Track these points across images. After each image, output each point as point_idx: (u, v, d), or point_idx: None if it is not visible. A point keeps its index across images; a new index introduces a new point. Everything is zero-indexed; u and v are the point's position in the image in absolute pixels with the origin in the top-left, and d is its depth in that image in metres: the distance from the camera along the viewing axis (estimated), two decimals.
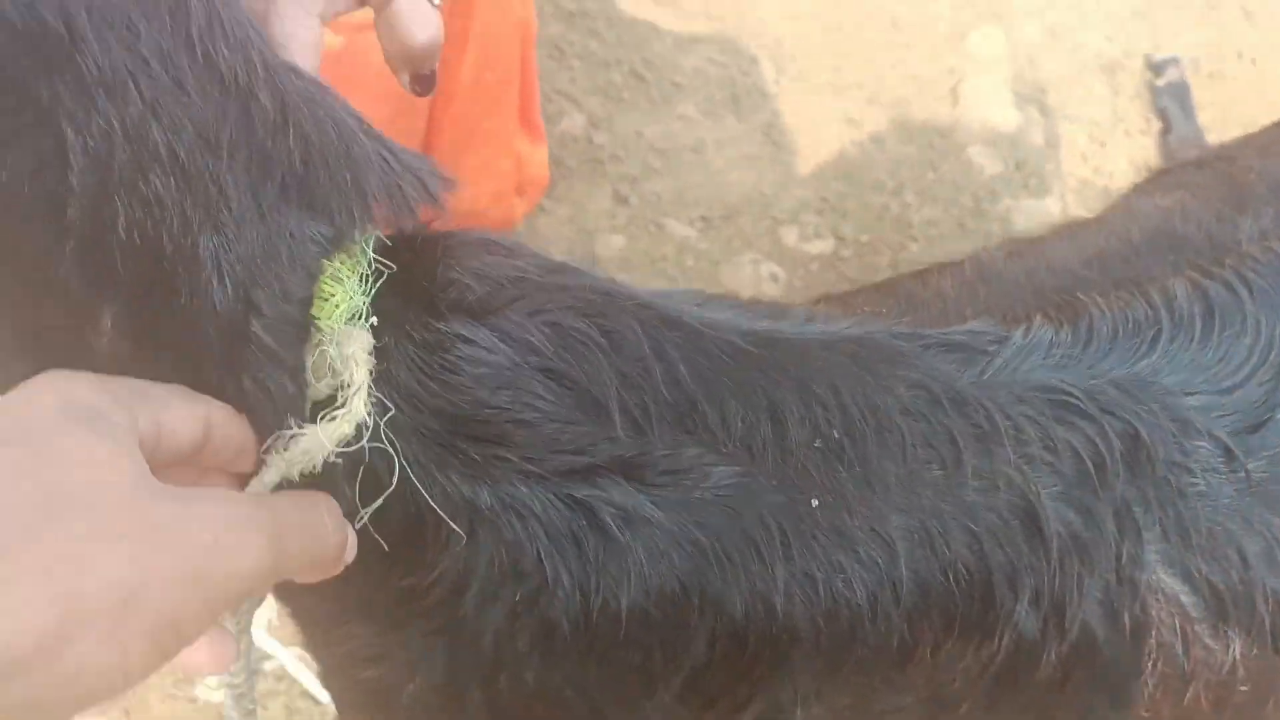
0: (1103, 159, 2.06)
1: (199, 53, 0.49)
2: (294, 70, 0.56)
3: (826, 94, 2.09)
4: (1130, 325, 0.56)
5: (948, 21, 2.24)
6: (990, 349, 0.54)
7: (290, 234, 0.53)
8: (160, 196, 0.49)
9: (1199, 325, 0.56)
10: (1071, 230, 0.74)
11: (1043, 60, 2.20)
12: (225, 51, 0.50)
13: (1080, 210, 1.98)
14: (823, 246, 1.88)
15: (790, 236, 1.88)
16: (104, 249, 0.49)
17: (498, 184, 1.64)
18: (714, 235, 1.87)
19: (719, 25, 2.16)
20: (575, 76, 2.04)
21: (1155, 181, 0.83)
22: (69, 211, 0.47)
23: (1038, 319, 0.56)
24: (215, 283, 0.51)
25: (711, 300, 0.60)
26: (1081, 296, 0.58)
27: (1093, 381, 0.54)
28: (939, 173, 2.00)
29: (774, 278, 1.81)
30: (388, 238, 0.59)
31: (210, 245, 0.51)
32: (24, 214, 0.47)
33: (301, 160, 0.53)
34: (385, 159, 0.57)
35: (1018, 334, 0.55)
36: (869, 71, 2.14)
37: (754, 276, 1.80)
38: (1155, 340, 0.55)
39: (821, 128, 2.04)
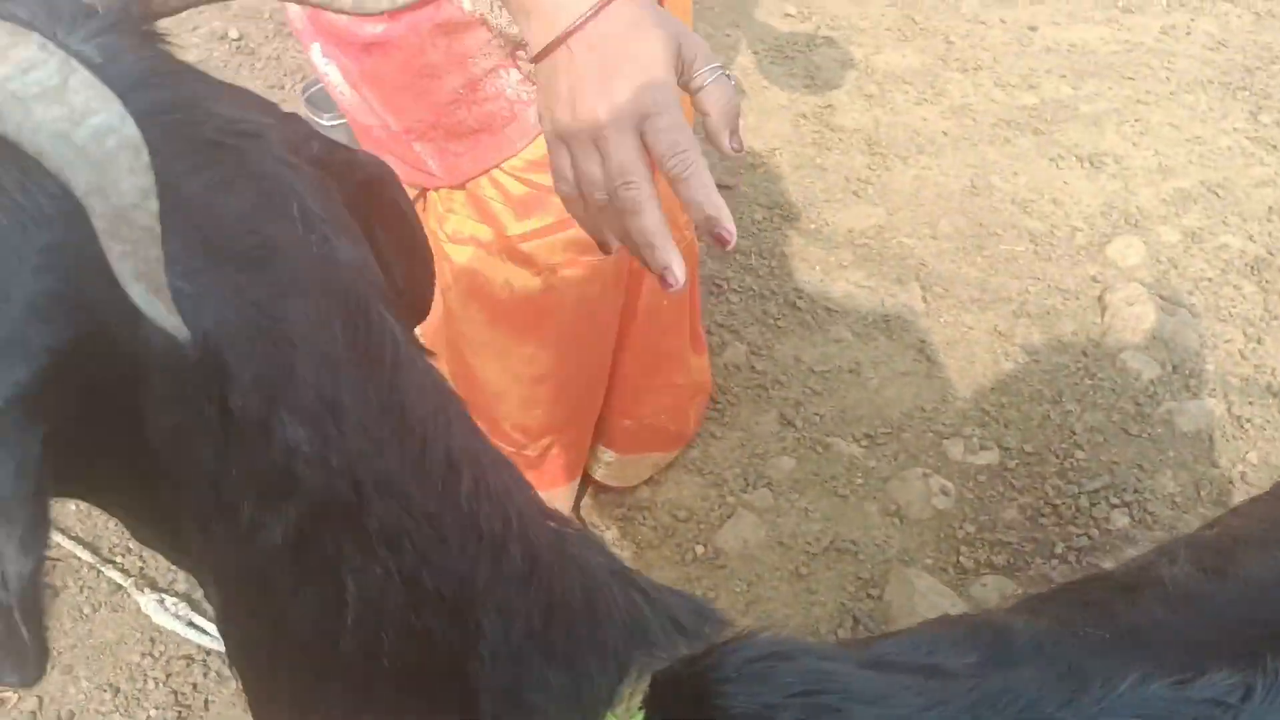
0: (1262, 356, 2.08)
1: (464, 510, 0.57)
2: (551, 517, 0.62)
3: (973, 309, 2.19)
4: None
5: (1084, 234, 2.33)
6: (1235, 702, 0.60)
7: (535, 679, 0.59)
8: (428, 630, 0.56)
9: None
10: (1260, 540, 0.79)
11: (1185, 264, 2.26)
12: (486, 508, 0.58)
13: (1245, 408, 1.99)
14: (989, 458, 1.93)
15: (955, 450, 1.94)
16: (370, 673, 0.56)
17: (675, 399, 1.76)
18: (880, 452, 1.94)
19: (863, 252, 2.31)
20: (734, 309, 2.19)
21: None
22: (341, 644, 0.55)
23: (1269, 663, 0.62)
24: (477, 706, 0.57)
25: (940, 646, 0.66)
26: None
27: None
28: (1095, 380, 2.04)
29: (944, 491, 1.86)
30: (651, 677, 0.62)
31: (472, 672, 0.57)
32: (303, 647, 0.55)
33: (543, 612, 0.59)
34: (635, 603, 0.62)
35: (1259, 687, 0.60)
36: (1013, 286, 2.23)
37: (924, 491, 1.86)
38: None
39: (973, 342, 2.13)
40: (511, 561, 0.59)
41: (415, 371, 0.56)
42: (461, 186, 1.36)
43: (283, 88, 2.59)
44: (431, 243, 1.46)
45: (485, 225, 1.38)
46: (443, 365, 1.57)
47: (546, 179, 1.31)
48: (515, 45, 1.20)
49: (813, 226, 2.36)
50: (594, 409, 1.64)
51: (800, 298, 2.22)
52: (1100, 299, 2.19)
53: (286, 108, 2.25)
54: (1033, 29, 2.88)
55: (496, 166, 1.30)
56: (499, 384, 1.51)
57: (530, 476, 1.61)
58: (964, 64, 2.77)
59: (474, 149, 1.30)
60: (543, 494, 1.69)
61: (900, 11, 2.93)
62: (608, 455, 1.78)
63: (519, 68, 1.22)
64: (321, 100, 2.32)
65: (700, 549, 1.80)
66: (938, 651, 0.64)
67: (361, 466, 0.52)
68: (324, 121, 2.28)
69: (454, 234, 1.42)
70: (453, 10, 1.17)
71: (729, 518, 1.83)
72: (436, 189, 1.39)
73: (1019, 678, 0.61)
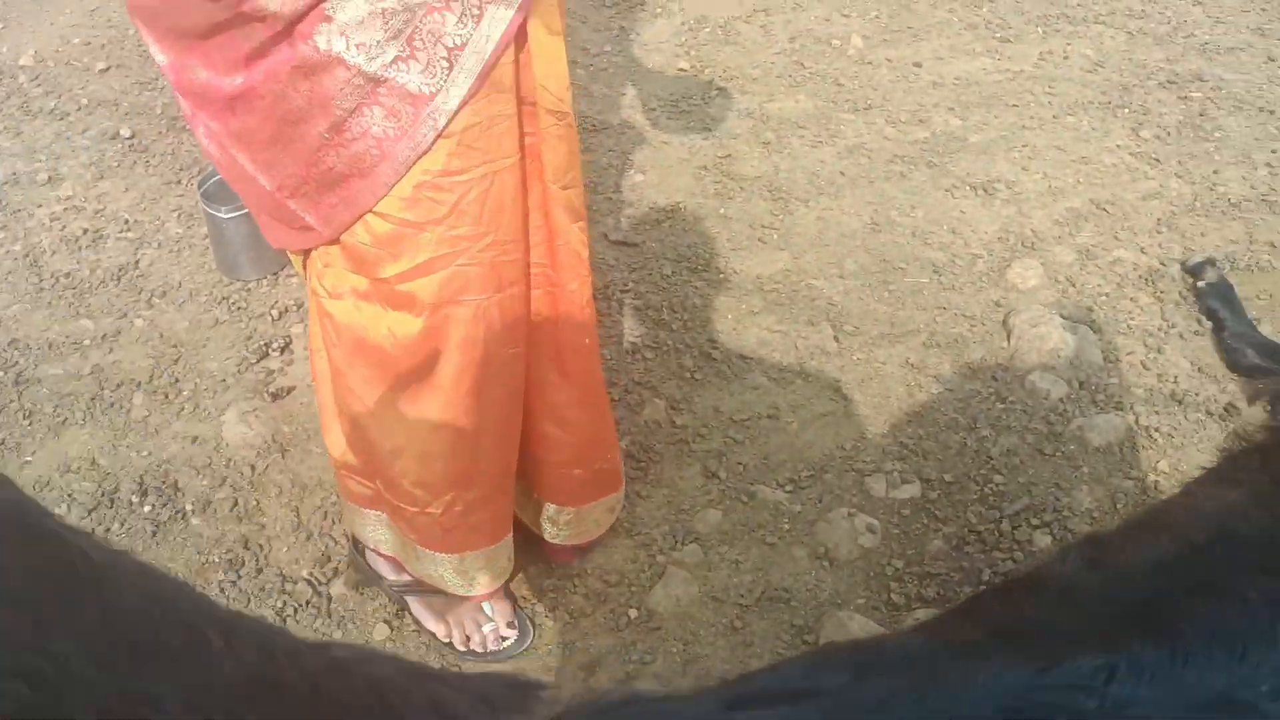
0: (1164, 365, 2.14)
1: (224, 668, 0.55)
2: (317, 647, 0.62)
3: (884, 344, 2.22)
4: (1216, 638, 0.62)
5: (985, 260, 2.39)
6: (1099, 685, 0.61)
7: None
8: None
9: (1277, 630, 0.63)
10: (1142, 531, 0.81)
11: (1083, 281, 2.33)
12: (246, 655, 0.56)
13: (1152, 418, 2.04)
14: (910, 491, 1.95)
15: (878, 486, 1.96)
16: None
17: (613, 433, 1.77)
18: (804, 496, 1.95)
19: (773, 297, 2.34)
20: (650, 366, 2.20)
21: (1220, 472, 0.90)
22: None
23: (1134, 644, 0.63)
24: None
25: (815, 670, 0.66)
26: (1167, 610, 0.65)
27: (1189, 706, 0.60)
28: (1007, 403, 2.08)
29: (870, 529, 1.87)
30: None
31: None
32: None
33: None
34: (437, 693, 0.62)
35: (1121, 668, 0.61)
36: (921, 317, 2.27)
37: (850, 531, 1.87)
38: (1243, 653, 0.62)
39: (886, 377, 2.16)
40: (292, 693, 0.57)
41: (119, 570, 0.55)
42: (337, 240, 1.36)
43: (179, 182, 2.56)
44: (313, 303, 1.46)
45: (360, 275, 1.37)
46: (335, 426, 1.56)
47: (417, 215, 1.32)
48: (375, 82, 1.21)
49: (721, 276, 2.39)
50: (504, 462, 1.60)
51: (715, 348, 2.24)
52: (1005, 323, 2.24)
53: (185, 202, 2.25)
54: (918, 65, 2.97)
55: (371, 210, 1.30)
56: (394, 439, 1.49)
57: (439, 538, 1.59)
58: (855, 104, 2.84)
59: (347, 196, 1.30)
60: (458, 557, 1.67)
61: (789, 58, 3.01)
62: (565, 514, 1.75)
63: (381, 104, 1.23)
64: (217, 193, 2.30)
65: (633, 612, 1.78)
66: (812, 675, 0.64)
67: (99, 690, 0.51)
68: (222, 214, 2.26)
69: (332, 289, 1.42)
70: (308, 51, 1.18)
71: (660, 577, 1.82)
72: (319, 246, 1.39)
73: (876, 685, 0.61)
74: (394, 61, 1.19)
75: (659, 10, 3.23)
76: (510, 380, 1.51)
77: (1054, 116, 2.78)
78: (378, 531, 1.71)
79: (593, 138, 2.78)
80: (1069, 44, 3.05)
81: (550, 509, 1.74)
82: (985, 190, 2.57)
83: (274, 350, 2.21)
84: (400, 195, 1.29)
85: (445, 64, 1.22)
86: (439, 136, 1.26)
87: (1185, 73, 2.92)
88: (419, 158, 1.26)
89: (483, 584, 1.65)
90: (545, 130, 1.38)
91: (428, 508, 1.54)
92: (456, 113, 1.25)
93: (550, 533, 1.77)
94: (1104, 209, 2.50)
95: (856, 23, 3.14)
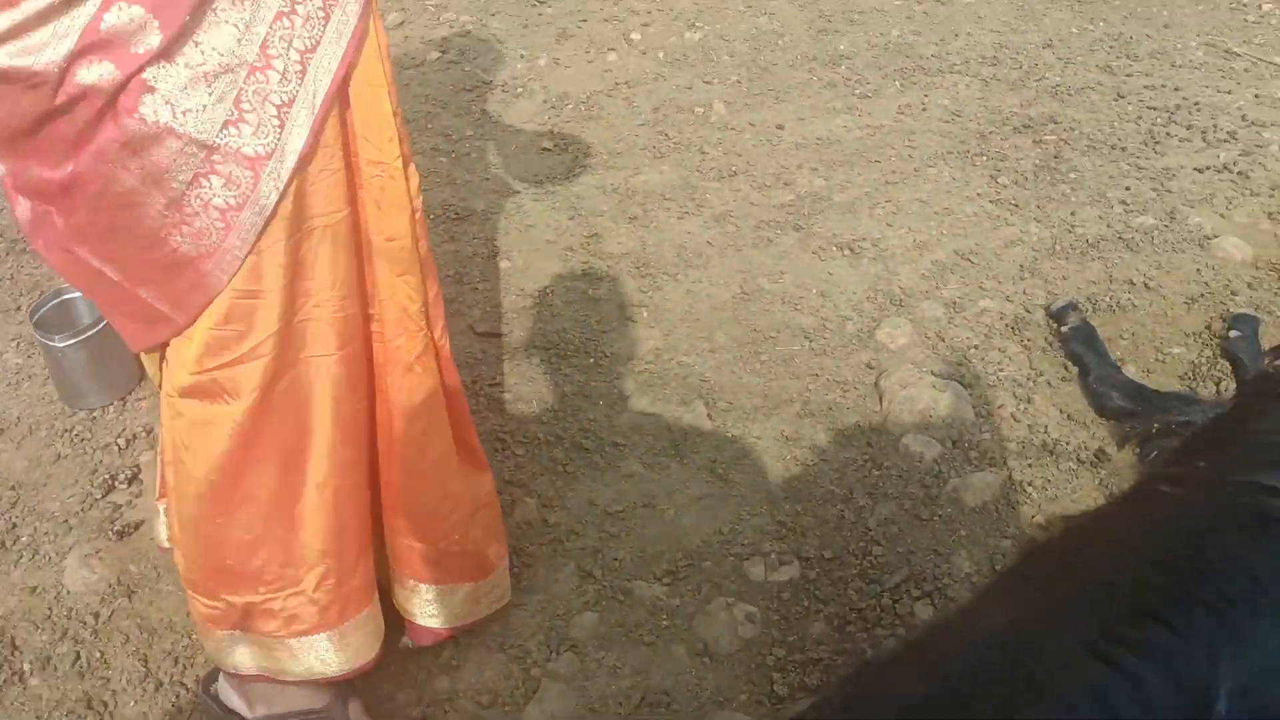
0: (1034, 416, 2.13)
1: None
2: None
3: (759, 418, 2.18)
4: None
5: (855, 321, 2.37)
6: None
7: None
8: None
9: None
10: (906, 665, 0.77)
11: (952, 335, 2.32)
12: None
13: (1025, 471, 2.02)
14: (790, 572, 1.89)
15: (756, 570, 1.90)
16: None
17: (460, 512, 1.65)
18: (682, 588, 1.89)
19: (644, 378, 2.29)
20: (520, 462, 2.12)
21: (1002, 583, 0.87)
22: None
23: None
24: None
25: None
26: None
27: None
28: (883, 469, 2.05)
29: (750, 619, 1.81)
30: None
31: None
32: None
33: None
34: None
35: None
36: (794, 386, 2.24)
37: (730, 622, 1.80)
38: None
39: (762, 452, 2.11)
40: None
41: None
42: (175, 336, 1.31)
43: (18, 309, 2.44)
44: (164, 406, 1.40)
45: (204, 367, 1.32)
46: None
47: (255, 284, 1.27)
48: (209, 150, 1.18)
49: (591, 360, 2.34)
50: (364, 522, 1.55)
51: (587, 437, 2.17)
52: (876, 385, 2.22)
53: (25, 330, 2.14)
54: (780, 127, 2.98)
55: (226, 286, 1.26)
56: (255, 527, 1.43)
57: (316, 618, 1.54)
58: (720, 171, 2.83)
59: (197, 277, 1.26)
60: (337, 631, 1.61)
61: (653, 129, 2.99)
62: (424, 590, 1.67)
63: (218, 173, 1.20)
64: (51, 322, 2.19)
65: None
66: None
67: None
68: (56, 343, 2.15)
69: (180, 387, 1.36)
70: (135, 125, 1.14)
71: (534, 693, 1.73)
72: (174, 337, 1.33)
73: None
74: (224, 126, 1.18)
75: (520, 90, 3.21)
76: (359, 437, 1.49)
77: (915, 170, 2.80)
78: (234, 655, 1.60)
79: (457, 226, 2.73)
80: (926, 95, 3.09)
81: (408, 583, 1.68)
82: (852, 250, 2.56)
83: (120, 482, 2.09)
84: (250, 266, 1.26)
85: (276, 122, 1.22)
86: (281, 197, 1.24)
87: (1039, 116, 2.97)
88: (267, 223, 1.24)
89: (364, 652, 1.59)
90: (368, 182, 1.37)
91: (299, 585, 1.48)
92: (296, 169, 1.24)
93: (405, 608, 1.69)
94: (968, 259, 2.51)
95: (718, 89, 3.15)
